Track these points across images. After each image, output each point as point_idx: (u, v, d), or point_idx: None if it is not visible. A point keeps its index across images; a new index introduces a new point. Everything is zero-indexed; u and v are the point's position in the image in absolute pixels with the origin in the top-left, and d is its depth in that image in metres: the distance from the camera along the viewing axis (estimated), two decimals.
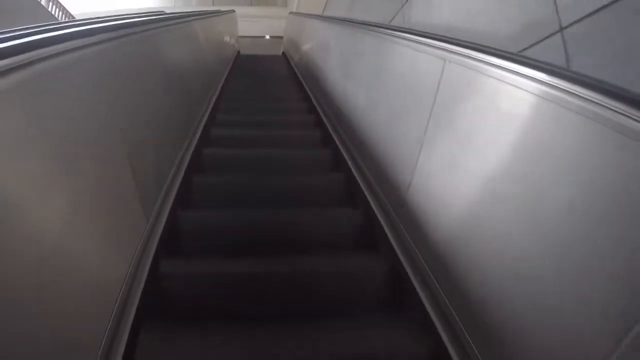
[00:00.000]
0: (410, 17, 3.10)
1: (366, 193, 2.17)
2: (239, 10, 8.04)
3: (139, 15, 2.28)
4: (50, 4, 7.01)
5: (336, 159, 2.78)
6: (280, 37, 9.78)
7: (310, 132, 3.32)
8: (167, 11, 3.28)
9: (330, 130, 3.09)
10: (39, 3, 6.11)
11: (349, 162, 2.56)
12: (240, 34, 8.11)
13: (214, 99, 3.75)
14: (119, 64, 1.46)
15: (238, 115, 3.65)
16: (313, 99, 4.06)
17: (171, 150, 2.16)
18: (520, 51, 1.99)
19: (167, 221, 1.78)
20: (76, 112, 1.07)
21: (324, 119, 3.39)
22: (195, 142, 2.64)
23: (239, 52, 7.39)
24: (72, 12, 7.91)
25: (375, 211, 2.00)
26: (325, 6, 7.21)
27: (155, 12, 3.26)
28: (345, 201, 2.38)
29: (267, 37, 12.23)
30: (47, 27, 1.17)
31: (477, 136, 1.26)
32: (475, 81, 1.28)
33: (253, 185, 2.36)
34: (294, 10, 8.81)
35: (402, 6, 3.22)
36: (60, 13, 7.33)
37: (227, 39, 6.09)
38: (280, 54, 8.24)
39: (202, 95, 3.38)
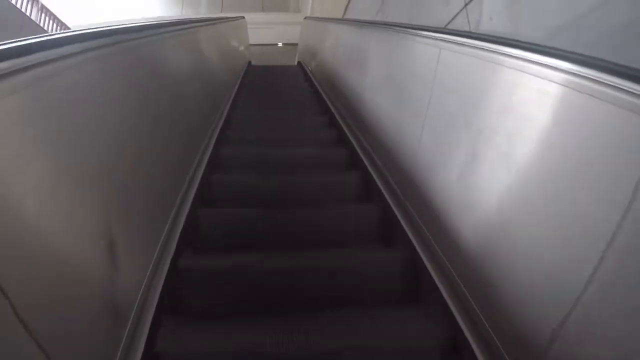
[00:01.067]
0: (480, 20, 2.29)
1: (444, 294, 1.38)
2: (249, 16, 7.33)
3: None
4: (43, 15, 6.36)
5: (385, 217, 2.00)
6: (294, 45, 9.06)
7: (348, 175, 2.55)
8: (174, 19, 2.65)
9: (374, 176, 2.31)
10: (25, 15, 5.43)
11: (406, 229, 1.79)
12: (251, 41, 7.41)
13: (220, 124, 3.01)
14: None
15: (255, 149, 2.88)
16: (342, 124, 3.28)
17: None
18: None
19: None
20: None
21: (359, 151, 2.63)
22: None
23: (249, 62, 6.65)
24: (68, 24, 7.25)
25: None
26: (346, 8, 6.39)
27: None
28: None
29: (280, 44, 11.49)
30: None
31: None
32: None
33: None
34: (309, 15, 8.07)
35: (466, 5, 2.42)
36: (54, 25, 6.66)
37: (236, 47, 5.35)
38: (296, 63, 7.48)
39: (206, 121, 2.64)
